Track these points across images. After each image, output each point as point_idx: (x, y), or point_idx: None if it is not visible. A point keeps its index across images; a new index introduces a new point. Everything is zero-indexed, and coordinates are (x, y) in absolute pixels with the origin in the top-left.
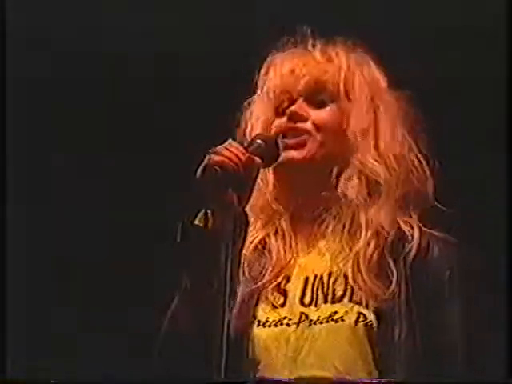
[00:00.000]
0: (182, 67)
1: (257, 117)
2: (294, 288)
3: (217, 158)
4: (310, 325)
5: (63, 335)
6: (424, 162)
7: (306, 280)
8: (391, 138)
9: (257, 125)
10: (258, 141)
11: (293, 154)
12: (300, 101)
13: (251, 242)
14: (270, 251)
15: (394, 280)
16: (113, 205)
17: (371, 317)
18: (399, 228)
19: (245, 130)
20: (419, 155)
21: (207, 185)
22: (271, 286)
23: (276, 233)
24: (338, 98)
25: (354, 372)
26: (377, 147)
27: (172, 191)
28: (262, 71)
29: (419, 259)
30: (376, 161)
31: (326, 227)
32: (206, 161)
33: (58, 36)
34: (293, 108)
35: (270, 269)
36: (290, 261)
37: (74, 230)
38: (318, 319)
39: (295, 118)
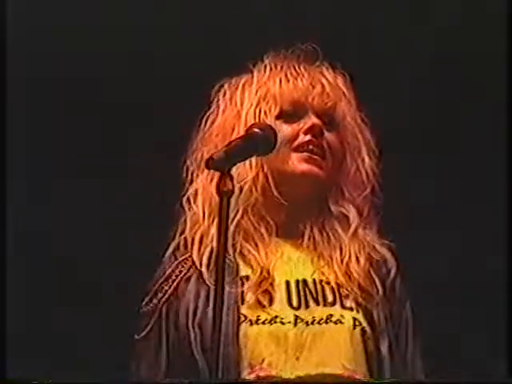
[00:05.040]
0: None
1: (245, 119)
2: (278, 290)
3: None
4: (307, 325)
5: (63, 335)
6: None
7: (288, 284)
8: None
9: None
10: (255, 129)
11: (310, 167)
12: (313, 115)
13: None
14: (246, 254)
15: (380, 295)
16: (113, 203)
17: (365, 323)
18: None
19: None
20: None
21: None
22: (256, 288)
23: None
24: (339, 125)
25: (361, 372)
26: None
27: (173, 191)
28: (258, 74)
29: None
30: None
31: (303, 237)
32: None
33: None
34: (314, 121)
35: (251, 271)
36: (267, 266)
37: (73, 229)
38: (314, 320)
39: (316, 132)
